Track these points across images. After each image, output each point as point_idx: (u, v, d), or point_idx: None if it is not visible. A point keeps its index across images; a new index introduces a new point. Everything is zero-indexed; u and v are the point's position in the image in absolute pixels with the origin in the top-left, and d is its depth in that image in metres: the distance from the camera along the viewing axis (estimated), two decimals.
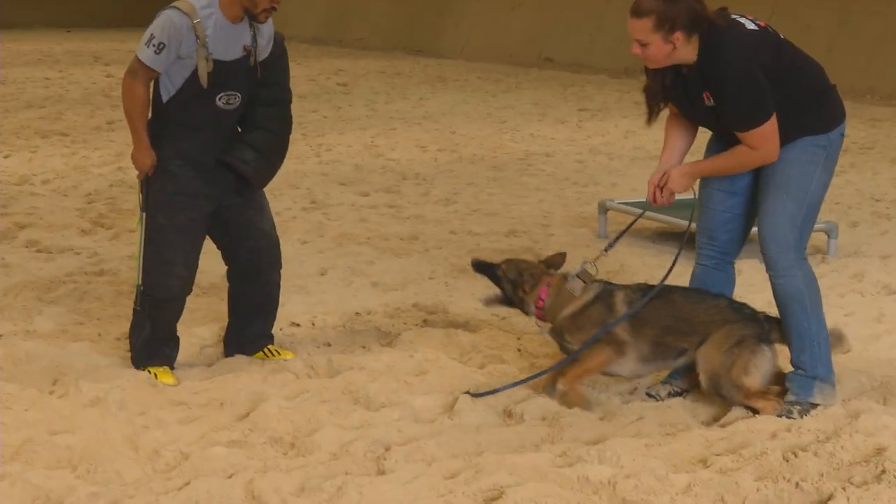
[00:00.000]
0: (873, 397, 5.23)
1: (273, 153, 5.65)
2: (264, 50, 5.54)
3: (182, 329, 5.80)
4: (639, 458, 4.54)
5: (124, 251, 8.00)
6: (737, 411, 5.07)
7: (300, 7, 28.18)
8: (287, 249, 6.52)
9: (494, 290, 5.47)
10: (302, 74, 18.50)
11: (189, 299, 5.74)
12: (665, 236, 8.20)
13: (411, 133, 13.61)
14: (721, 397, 5.12)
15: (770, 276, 5.14)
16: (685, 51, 4.96)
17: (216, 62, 5.35)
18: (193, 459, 4.57)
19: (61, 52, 24.14)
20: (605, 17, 20.14)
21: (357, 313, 6.58)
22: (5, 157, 11.81)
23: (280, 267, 5.87)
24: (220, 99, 5.44)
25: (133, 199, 9.65)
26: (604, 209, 8.49)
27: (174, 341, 5.74)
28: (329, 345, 6.06)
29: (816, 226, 7.76)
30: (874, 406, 5.08)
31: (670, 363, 5.28)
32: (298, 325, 6.35)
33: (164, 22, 5.27)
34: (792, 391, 5.11)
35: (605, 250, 5.43)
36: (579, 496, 4.27)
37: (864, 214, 9.12)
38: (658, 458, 4.57)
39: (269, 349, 5.88)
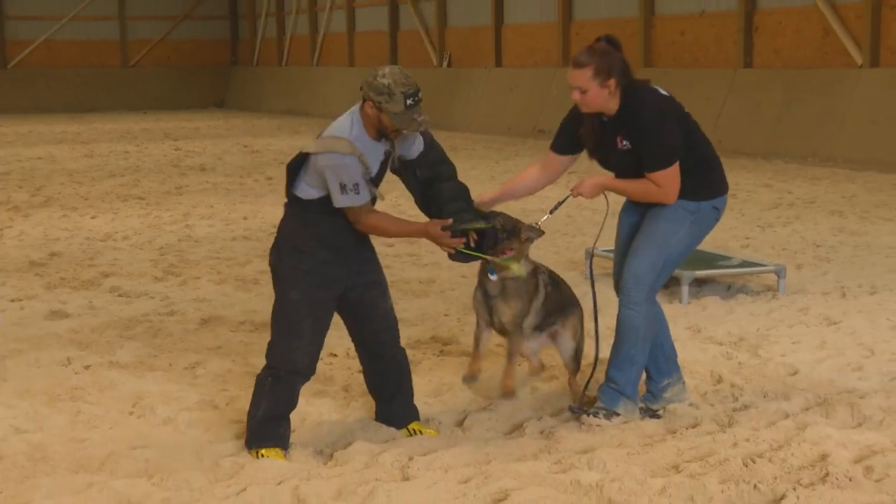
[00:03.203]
0: (818, 412, 5.20)
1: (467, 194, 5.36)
2: (408, 151, 5.11)
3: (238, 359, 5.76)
4: (622, 464, 4.52)
5: (191, 295, 8.02)
6: (705, 425, 5.05)
7: (335, 86, 28.33)
8: None
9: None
10: None
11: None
12: None
13: None
14: (568, 357, 5.36)
15: (620, 303, 5.07)
16: (611, 99, 4.93)
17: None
18: (248, 469, 4.56)
19: (138, 130, 24.31)
20: None
21: None
22: (92, 217, 11.88)
23: (399, 340, 5.17)
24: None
25: (197, 252, 9.72)
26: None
27: (287, 422, 4.89)
28: (361, 372, 6.04)
29: (768, 267, 7.82)
30: (818, 420, 5.07)
31: (544, 337, 5.34)
32: (336, 355, 6.34)
33: (342, 168, 4.66)
34: (601, 399, 5.10)
35: (551, 212, 5.56)
36: (572, 498, 4.25)
37: (807, 258, 9.09)
38: (638, 464, 4.55)
39: (412, 427, 5.11)
